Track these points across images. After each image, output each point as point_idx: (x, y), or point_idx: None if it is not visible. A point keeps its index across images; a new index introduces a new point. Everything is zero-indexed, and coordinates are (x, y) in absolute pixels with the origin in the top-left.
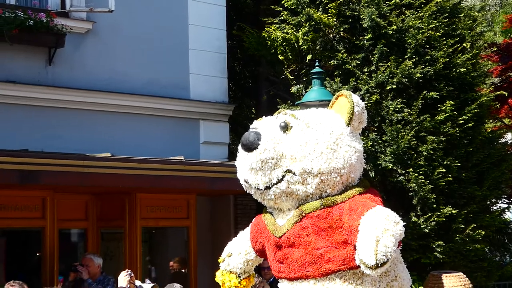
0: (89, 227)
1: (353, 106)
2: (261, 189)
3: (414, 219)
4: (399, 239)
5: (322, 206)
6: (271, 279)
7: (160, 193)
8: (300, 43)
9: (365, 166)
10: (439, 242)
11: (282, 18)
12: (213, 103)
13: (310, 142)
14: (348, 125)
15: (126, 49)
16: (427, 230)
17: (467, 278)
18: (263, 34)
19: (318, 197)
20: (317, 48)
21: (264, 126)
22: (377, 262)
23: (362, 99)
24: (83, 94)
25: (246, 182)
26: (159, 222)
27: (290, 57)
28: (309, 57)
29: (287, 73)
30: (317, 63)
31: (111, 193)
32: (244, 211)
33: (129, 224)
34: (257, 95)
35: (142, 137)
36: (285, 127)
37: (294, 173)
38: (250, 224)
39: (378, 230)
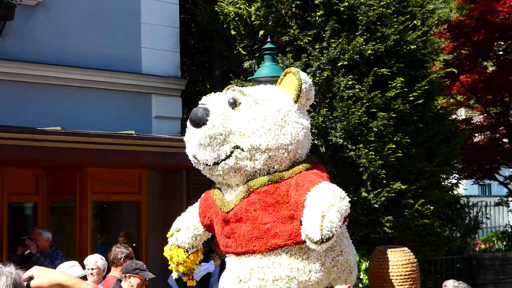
0: (40, 201)
1: (301, 83)
2: (210, 165)
3: (364, 194)
4: (344, 215)
5: (270, 182)
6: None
7: (111, 167)
8: (253, 19)
9: (316, 142)
10: (389, 217)
11: None
12: (165, 77)
13: (258, 119)
14: (296, 102)
15: (78, 22)
16: (376, 206)
17: (411, 253)
18: (215, 8)
19: (266, 173)
20: (269, 24)
21: (213, 102)
22: (322, 237)
23: (313, 75)
24: (33, 67)
25: (195, 157)
26: (110, 196)
27: (243, 32)
28: (261, 32)
29: (240, 49)
30: (269, 39)
31: (62, 167)
32: (197, 186)
33: (79, 198)
34: (210, 70)
35: (94, 111)
36: (234, 104)
37: (242, 149)
38: (199, 200)
39: (324, 206)
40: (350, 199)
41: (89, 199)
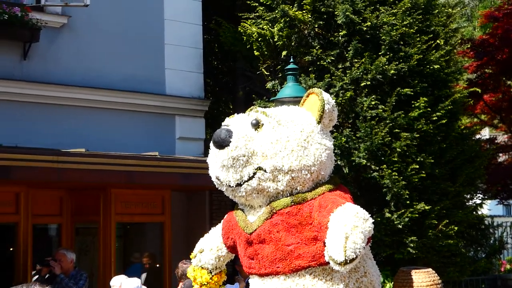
0: (64, 222)
1: (324, 104)
2: (233, 186)
3: (387, 215)
4: (368, 236)
5: (293, 203)
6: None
7: (134, 188)
8: (276, 39)
9: (339, 162)
10: (412, 238)
11: (258, 14)
12: (189, 98)
13: (281, 140)
14: (319, 122)
15: (102, 43)
16: (400, 226)
17: (436, 274)
18: (239, 29)
19: (288, 194)
20: (292, 44)
21: (235, 124)
22: (346, 258)
23: (336, 95)
24: (58, 89)
25: (218, 179)
26: (134, 217)
27: (266, 52)
28: (284, 53)
29: (263, 69)
30: (291, 59)
31: (86, 188)
32: (220, 207)
33: (103, 219)
34: (233, 90)
35: (117, 132)
36: (257, 125)
37: (265, 170)
38: (222, 221)
39: (347, 227)
40: (373, 220)
41: (112, 220)
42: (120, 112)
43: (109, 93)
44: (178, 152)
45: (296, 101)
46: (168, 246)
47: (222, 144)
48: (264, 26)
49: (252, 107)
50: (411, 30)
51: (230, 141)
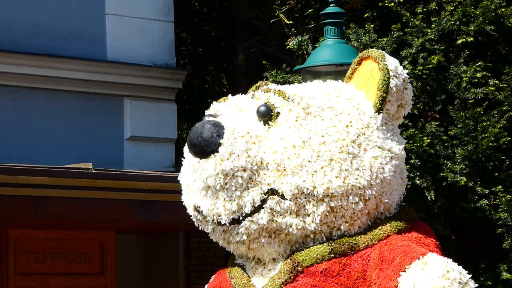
0: None
1: (388, 77)
2: (225, 224)
3: (506, 275)
4: None
5: (333, 255)
6: None
7: (51, 228)
8: None
9: (417, 182)
10: None
11: None
12: (147, 66)
13: (310, 142)
14: (380, 111)
15: None
16: None
17: None
18: None
19: (325, 239)
20: None
21: (229, 112)
22: None
23: (413, 62)
24: None
25: (198, 211)
26: (50, 280)
27: None
28: None
29: (281, 15)
30: None
31: None
32: (204, 261)
33: None
34: (229, 52)
35: (20, 129)
36: (267, 114)
37: (282, 196)
38: (206, 286)
39: None
40: (479, 284)
41: (11, 285)
42: (26, 93)
43: (8, 58)
44: (129, 163)
45: (340, 71)
46: None
47: (205, 149)
48: None
49: (260, 82)
50: None
51: (220, 144)
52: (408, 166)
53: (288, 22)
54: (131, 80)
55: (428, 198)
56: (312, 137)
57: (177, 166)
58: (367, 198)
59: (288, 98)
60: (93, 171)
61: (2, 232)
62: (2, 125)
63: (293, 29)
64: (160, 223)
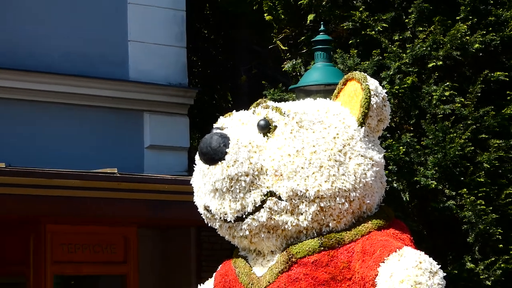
0: None
1: (370, 96)
2: (230, 221)
3: (469, 265)
4: None
5: (322, 248)
6: None
7: (82, 224)
8: None
9: (395, 185)
10: None
11: None
12: (164, 86)
13: (303, 151)
14: (362, 124)
15: (30, 5)
16: (489, 282)
17: None
18: None
19: (315, 234)
20: (324, 3)
21: (234, 126)
22: None
23: (391, 82)
24: None
25: (207, 210)
26: (81, 268)
27: (283, 16)
28: (310, 17)
29: (278, 42)
30: (322, 27)
31: (8, 224)
32: (212, 252)
33: (34, 271)
34: (233, 74)
35: (55, 139)
36: (266, 127)
37: (279, 197)
38: (214, 274)
39: (405, 285)
40: (447, 273)
41: (48, 272)
42: (59, 108)
43: (43, 78)
44: (149, 169)
45: (328, 90)
46: None
47: (213, 157)
48: None
49: (259, 100)
50: None
51: (226, 152)
52: (386, 172)
53: (284, 48)
54: (150, 97)
55: (404, 199)
56: (305, 147)
57: (190, 170)
58: (352, 199)
59: (284, 113)
60: (118, 175)
61: (41, 227)
62: (40, 136)
63: (288, 54)
64: (175, 219)
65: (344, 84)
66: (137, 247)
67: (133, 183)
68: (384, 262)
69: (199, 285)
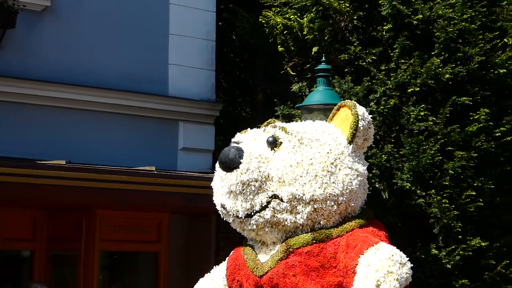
0: (37, 249)
1: (358, 120)
2: (241, 217)
3: (434, 251)
4: (404, 284)
5: (314, 241)
6: None
7: (125, 210)
8: (305, 32)
9: (377, 185)
10: (464, 281)
11: (283, 0)
12: (196, 100)
13: (302, 163)
14: (351, 142)
15: (91, 32)
16: (449, 266)
17: None
18: (260, 19)
19: (309, 230)
20: (325, 38)
21: (247, 141)
22: None
23: (378, 103)
24: (36, 86)
25: (223, 207)
26: (123, 245)
27: (292, 48)
28: (315, 49)
29: (288, 68)
30: (323, 58)
31: (65, 208)
32: (228, 235)
33: (85, 247)
34: (252, 92)
35: (107, 142)
36: (274, 143)
37: (281, 199)
38: (227, 258)
39: (379, 273)
40: (415, 258)
41: (96, 248)
42: (110, 117)
43: (98, 92)
44: (181, 167)
45: (327, 109)
46: (164, 282)
47: (230, 166)
48: (291, 16)
49: (269, 120)
50: (472, 25)
51: (240, 162)
52: (370, 175)
53: (293, 73)
54: (184, 109)
55: (384, 197)
56: (304, 160)
57: (214, 169)
58: (340, 202)
59: (288, 132)
60: (156, 172)
61: (92, 212)
62: (94, 139)
63: (296, 78)
64: (200, 208)
65: (338, 110)
66: (168, 230)
67: (167, 178)
68: (363, 254)
69: (219, 259)
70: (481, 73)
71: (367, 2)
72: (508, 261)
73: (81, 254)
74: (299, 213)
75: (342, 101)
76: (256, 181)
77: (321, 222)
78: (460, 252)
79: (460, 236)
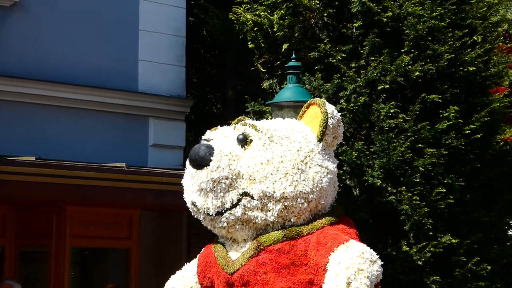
0: (6, 246)
1: (327, 118)
2: (212, 215)
3: (405, 248)
4: (375, 282)
5: (285, 238)
6: None
7: (95, 206)
8: (275, 29)
9: (348, 182)
10: (435, 278)
11: None
12: (166, 97)
13: (273, 160)
14: (320, 140)
15: (61, 28)
16: (420, 263)
17: None
18: (230, 16)
19: (280, 227)
20: (295, 36)
21: (218, 138)
22: None
23: (347, 100)
24: (5, 82)
25: (194, 205)
26: (94, 241)
27: (263, 45)
28: (285, 46)
29: (258, 65)
30: (293, 55)
31: (35, 205)
32: (199, 231)
33: (56, 243)
34: (222, 88)
35: (77, 137)
36: (244, 141)
37: (252, 197)
38: (198, 256)
39: (350, 270)
40: (386, 254)
41: (67, 244)
42: (81, 113)
43: (68, 88)
44: (151, 163)
45: (297, 106)
46: (135, 278)
47: (200, 163)
48: (261, 13)
49: (239, 117)
50: (442, 23)
51: (211, 160)
52: (341, 172)
53: (263, 70)
54: (154, 105)
55: (354, 194)
56: (274, 157)
57: (185, 166)
58: (310, 200)
59: (259, 130)
60: (126, 168)
61: (62, 208)
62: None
63: (266, 75)
64: (171, 205)
65: (307, 107)
66: (139, 226)
67: (137, 175)
68: (334, 252)
69: (189, 256)
70: (451, 71)
71: None
72: (478, 258)
73: (52, 251)
74: (269, 211)
75: (312, 99)
76: (227, 178)
77: (292, 220)
78: (431, 249)
79: (431, 233)
